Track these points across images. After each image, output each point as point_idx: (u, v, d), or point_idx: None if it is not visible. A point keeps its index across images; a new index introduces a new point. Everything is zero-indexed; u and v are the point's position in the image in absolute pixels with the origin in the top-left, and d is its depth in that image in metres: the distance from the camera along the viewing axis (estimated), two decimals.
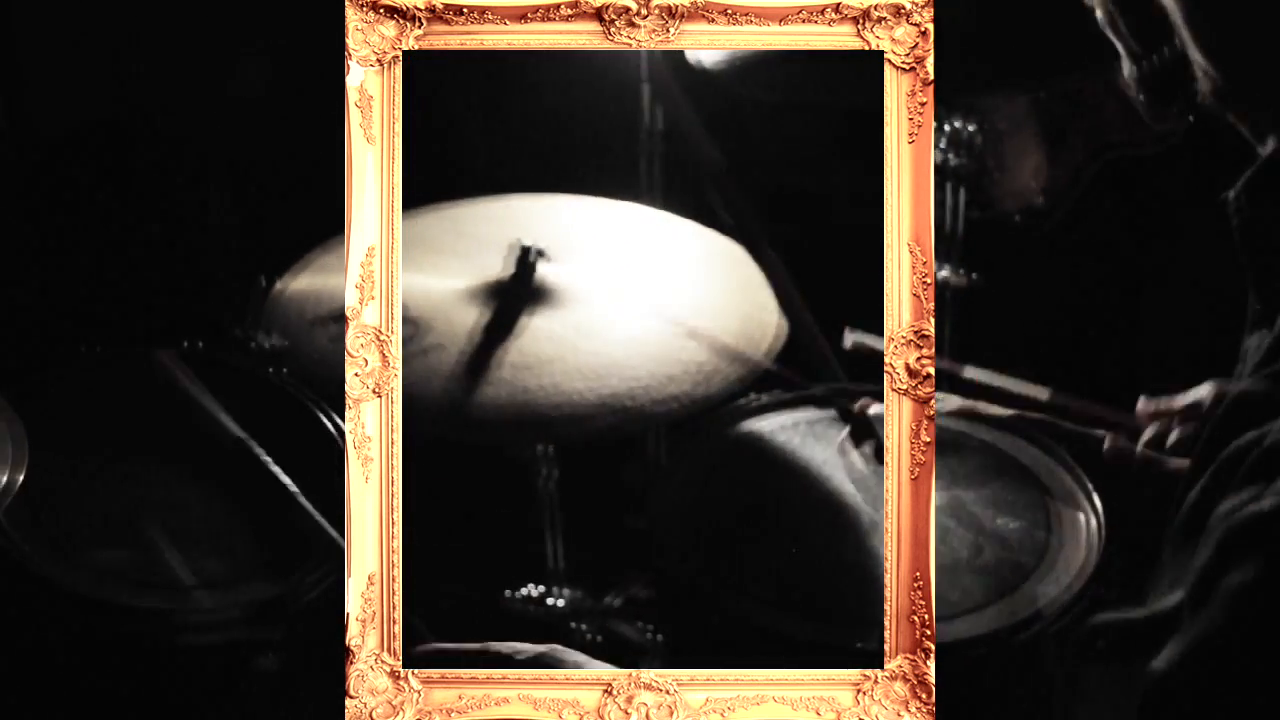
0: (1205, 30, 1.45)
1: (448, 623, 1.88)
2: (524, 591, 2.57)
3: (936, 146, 2.31)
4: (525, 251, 2.24)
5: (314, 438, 2.16)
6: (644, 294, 2.30)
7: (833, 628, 1.95)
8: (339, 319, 1.80)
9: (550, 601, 2.57)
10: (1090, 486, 2.14)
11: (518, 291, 2.23)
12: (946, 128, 2.42)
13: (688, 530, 2.13)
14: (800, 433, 2.31)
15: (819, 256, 2.41)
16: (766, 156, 2.70)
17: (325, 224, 2.03)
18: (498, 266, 2.26)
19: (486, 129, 2.67)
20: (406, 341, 1.83)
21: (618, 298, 2.27)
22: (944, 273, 2.52)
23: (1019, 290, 2.58)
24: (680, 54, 2.30)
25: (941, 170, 2.42)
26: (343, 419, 1.78)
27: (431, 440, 1.93)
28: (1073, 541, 2.08)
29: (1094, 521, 2.11)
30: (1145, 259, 2.64)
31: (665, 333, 2.21)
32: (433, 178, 1.96)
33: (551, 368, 2.11)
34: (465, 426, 2.10)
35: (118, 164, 2.56)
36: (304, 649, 1.96)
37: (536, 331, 2.17)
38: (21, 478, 1.88)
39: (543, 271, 2.25)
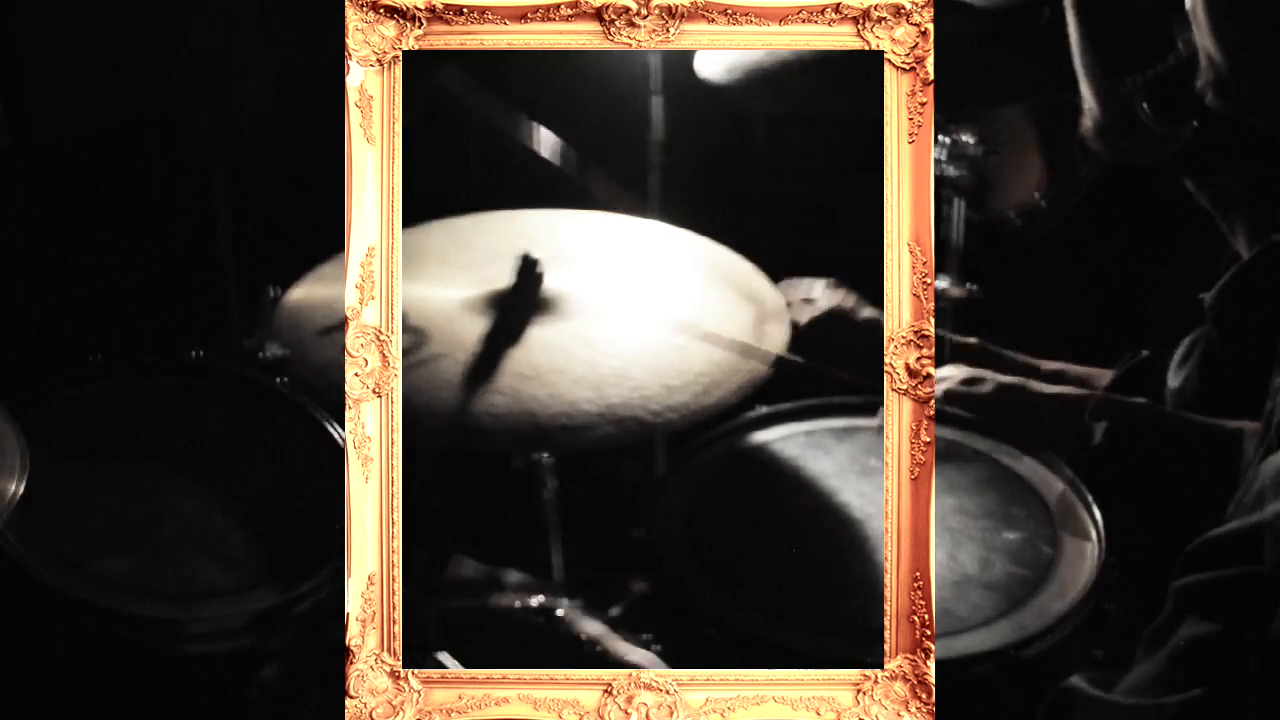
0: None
1: (450, 630, 1.88)
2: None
3: (936, 158, 2.31)
4: (529, 262, 2.24)
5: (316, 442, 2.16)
6: (646, 304, 2.29)
7: (836, 641, 1.94)
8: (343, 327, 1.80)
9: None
10: (1089, 497, 2.13)
11: (521, 302, 2.22)
12: (947, 139, 2.42)
13: (689, 541, 2.13)
14: (802, 444, 2.30)
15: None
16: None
17: (330, 230, 2.03)
18: (502, 277, 2.26)
19: (492, 139, 2.68)
20: (410, 351, 1.82)
21: (620, 308, 2.27)
22: (943, 284, 2.52)
23: (1018, 299, 2.58)
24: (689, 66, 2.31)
25: (940, 180, 2.42)
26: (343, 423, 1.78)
27: (434, 449, 1.92)
28: (1074, 553, 2.07)
29: (1094, 533, 2.10)
30: (1146, 266, 2.65)
31: (667, 343, 2.20)
32: (438, 187, 1.96)
33: (553, 378, 2.10)
34: (467, 435, 2.09)
35: (120, 171, 2.57)
36: (305, 651, 1.96)
37: (539, 342, 2.16)
38: (23, 487, 1.88)
39: (546, 282, 2.25)
